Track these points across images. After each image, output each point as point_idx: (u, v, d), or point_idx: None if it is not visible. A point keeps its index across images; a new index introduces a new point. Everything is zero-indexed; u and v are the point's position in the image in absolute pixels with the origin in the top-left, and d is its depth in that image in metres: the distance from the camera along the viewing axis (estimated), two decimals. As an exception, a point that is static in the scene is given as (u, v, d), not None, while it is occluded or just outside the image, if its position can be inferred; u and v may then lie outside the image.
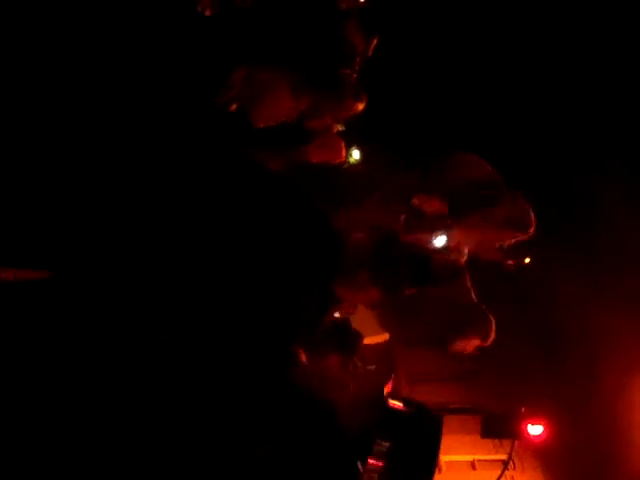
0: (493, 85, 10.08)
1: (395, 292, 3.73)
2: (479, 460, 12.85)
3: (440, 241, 4.28)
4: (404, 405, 2.62)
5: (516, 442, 9.30)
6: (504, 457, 10.34)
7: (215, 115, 3.06)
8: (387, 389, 3.51)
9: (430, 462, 2.53)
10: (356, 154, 6.03)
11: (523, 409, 8.87)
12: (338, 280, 3.14)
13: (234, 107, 3.23)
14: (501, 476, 8.81)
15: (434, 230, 4.26)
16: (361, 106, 3.95)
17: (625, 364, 10.19)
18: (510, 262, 4.64)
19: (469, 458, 12.98)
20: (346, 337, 3.44)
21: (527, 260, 4.72)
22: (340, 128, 4.82)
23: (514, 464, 12.03)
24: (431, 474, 2.57)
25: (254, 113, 3.24)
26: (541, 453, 12.57)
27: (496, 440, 11.45)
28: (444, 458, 12.76)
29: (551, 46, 10.04)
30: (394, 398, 2.68)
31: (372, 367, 7.59)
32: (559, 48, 10.04)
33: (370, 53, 4.19)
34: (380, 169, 4.31)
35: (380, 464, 2.58)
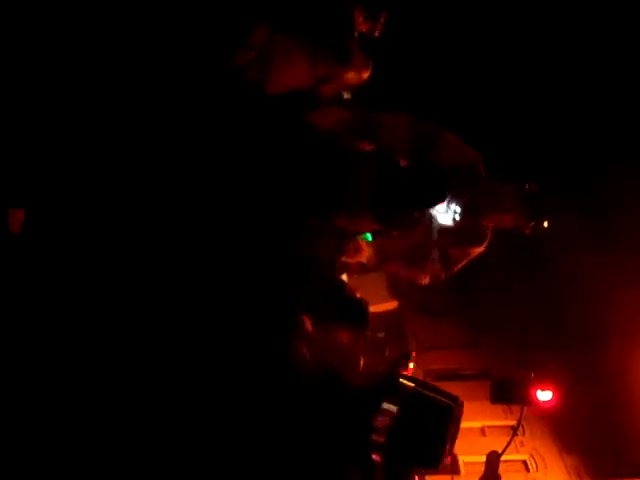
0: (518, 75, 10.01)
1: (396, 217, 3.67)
2: (488, 426, 12.91)
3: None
4: (416, 385, 2.58)
5: (525, 408, 9.31)
6: (513, 423, 10.37)
7: (231, 78, 3.01)
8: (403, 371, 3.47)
9: (436, 446, 2.48)
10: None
11: (532, 375, 8.87)
12: (338, 208, 3.11)
13: (250, 70, 3.19)
14: (510, 442, 8.84)
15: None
16: (366, 74, 3.90)
17: (633, 331, 10.19)
18: (528, 225, 4.50)
19: (478, 424, 13.05)
20: (356, 312, 3.36)
21: (545, 224, 4.54)
22: (347, 96, 4.81)
23: (523, 430, 12.08)
24: (438, 458, 2.53)
25: (270, 78, 3.20)
26: (550, 419, 12.63)
27: (505, 406, 11.48)
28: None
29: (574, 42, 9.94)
30: (407, 378, 2.64)
31: (381, 335, 7.60)
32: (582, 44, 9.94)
33: (378, 32, 4.14)
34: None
35: (387, 424, 2.54)
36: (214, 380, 2.33)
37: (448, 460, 11.17)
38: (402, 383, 2.48)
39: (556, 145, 10.30)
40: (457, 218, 4.22)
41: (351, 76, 3.81)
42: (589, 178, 10.55)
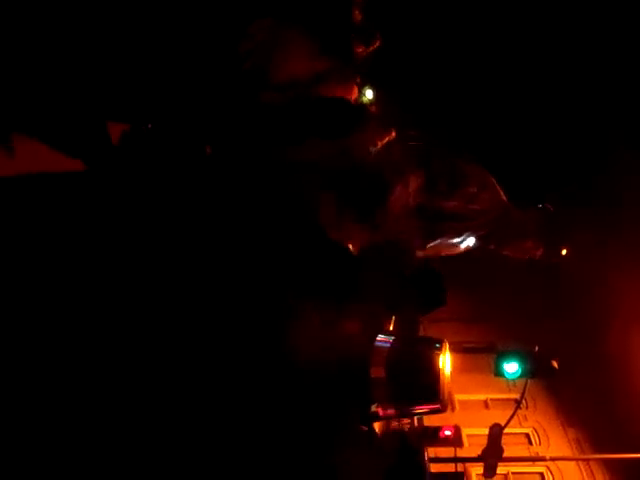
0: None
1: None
2: (492, 399, 13.01)
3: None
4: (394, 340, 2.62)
5: (529, 382, 9.35)
6: (517, 396, 10.43)
7: (232, 69, 3.00)
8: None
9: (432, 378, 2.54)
10: (369, 94, 5.96)
11: (537, 348, 8.89)
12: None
13: (249, 62, 3.17)
14: (514, 415, 8.89)
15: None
16: (373, 46, 3.84)
17: (637, 309, 10.21)
18: (549, 255, 4.34)
19: (482, 397, 13.15)
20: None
21: (564, 252, 4.36)
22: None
23: (527, 403, 12.18)
24: (436, 391, 2.57)
25: (269, 71, 3.18)
26: (553, 392, 12.70)
27: (509, 379, 11.53)
28: (458, 397, 12.94)
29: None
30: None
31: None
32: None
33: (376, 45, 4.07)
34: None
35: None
36: (214, 374, 2.35)
37: (451, 433, 11.30)
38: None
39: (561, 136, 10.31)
40: (476, 247, 4.11)
41: (360, 50, 3.75)
42: (590, 172, 10.56)
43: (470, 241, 3.90)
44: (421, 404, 2.78)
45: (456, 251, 3.91)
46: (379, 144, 3.60)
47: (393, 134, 3.63)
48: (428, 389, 2.60)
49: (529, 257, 4.20)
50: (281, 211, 2.76)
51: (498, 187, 3.99)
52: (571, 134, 10.50)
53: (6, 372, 2.24)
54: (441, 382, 2.62)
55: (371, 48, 3.89)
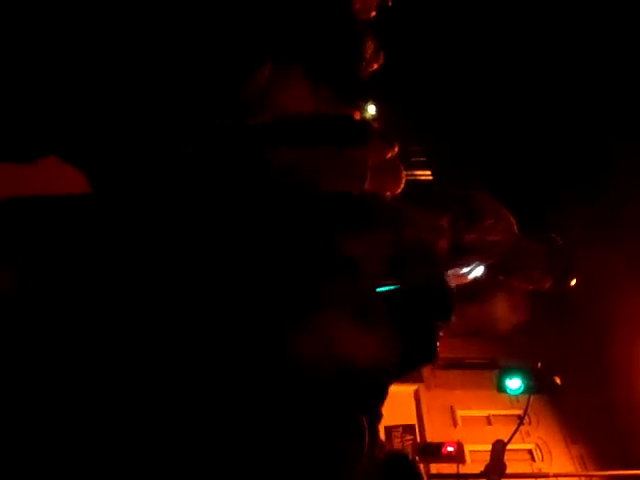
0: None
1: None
2: (494, 415, 12.96)
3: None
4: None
5: (531, 397, 9.32)
6: (519, 412, 10.40)
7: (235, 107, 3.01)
8: None
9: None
10: (372, 109, 5.98)
11: (539, 364, 8.87)
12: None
13: (252, 106, 3.18)
14: (516, 431, 8.84)
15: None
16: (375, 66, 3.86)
17: (636, 320, 10.20)
18: (554, 286, 4.32)
19: (484, 413, 13.10)
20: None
21: (573, 282, 4.34)
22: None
23: (529, 419, 12.12)
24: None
25: (271, 107, 3.19)
26: (556, 408, 12.65)
27: (512, 395, 11.50)
28: (460, 413, 12.90)
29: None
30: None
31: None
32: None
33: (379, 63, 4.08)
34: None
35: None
36: (215, 376, 2.35)
37: (454, 449, 11.24)
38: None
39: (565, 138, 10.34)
40: (484, 277, 4.10)
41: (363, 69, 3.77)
42: (596, 173, 10.57)
43: (478, 271, 3.91)
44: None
45: (463, 281, 3.92)
46: (390, 190, 3.62)
47: (396, 149, 3.64)
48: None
49: (537, 288, 4.20)
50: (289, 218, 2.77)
51: (511, 217, 4.01)
52: (575, 144, 10.52)
53: (6, 372, 2.24)
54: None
55: (374, 66, 3.90)
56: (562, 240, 4.35)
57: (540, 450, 12.54)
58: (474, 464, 10.83)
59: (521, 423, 9.48)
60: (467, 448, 12.00)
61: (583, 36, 9.83)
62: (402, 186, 3.73)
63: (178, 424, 2.28)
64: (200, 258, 2.53)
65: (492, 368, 11.95)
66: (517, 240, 4.00)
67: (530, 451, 12.59)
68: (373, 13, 3.85)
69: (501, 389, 9.30)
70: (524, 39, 9.99)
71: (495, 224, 3.91)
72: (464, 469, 10.40)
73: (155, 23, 2.84)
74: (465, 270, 3.85)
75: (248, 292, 2.47)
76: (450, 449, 11.17)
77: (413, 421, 12.78)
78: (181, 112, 2.89)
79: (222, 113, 2.97)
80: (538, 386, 8.98)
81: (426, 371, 12.69)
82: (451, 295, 3.45)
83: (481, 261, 3.91)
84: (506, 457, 8.50)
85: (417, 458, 9.36)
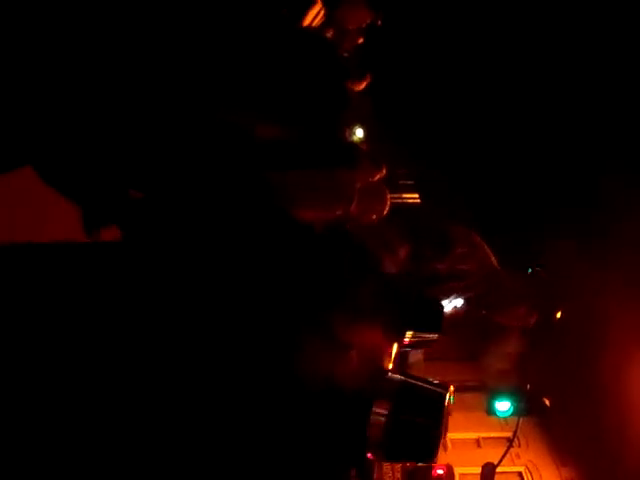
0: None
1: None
2: (484, 437, 12.92)
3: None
4: (404, 378, 2.57)
5: (521, 419, 9.32)
6: (509, 434, 10.39)
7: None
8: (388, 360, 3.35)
9: (431, 436, 2.47)
10: (359, 132, 6.02)
11: (528, 386, 8.89)
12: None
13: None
14: (506, 453, 8.83)
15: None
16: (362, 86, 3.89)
17: (625, 342, 10.22)
18: (540, 321, 4.30)
19: (474, 436, 13.05)
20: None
21: (558, 315, 4.33)
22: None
23: (519, 441, 12.09)
24: (434, 451, 2.52)
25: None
26: (545, 430, 12.62)
27: (501, 418, 11.49)
28: (450, 436, 12.84)
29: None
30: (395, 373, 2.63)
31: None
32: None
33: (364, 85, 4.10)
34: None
35: (389, 405, 2.54)
36: (215, 381, 2.35)
37: (444, 472, 11.20)
38: (390, 377, 2.48)
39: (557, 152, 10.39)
40: (464, 310, 4.08)
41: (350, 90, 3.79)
42: (586, 191, 10.63)
43: (457, 302, 3.90)
44: (414, 461, 2.75)
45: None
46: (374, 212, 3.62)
47: (384, 172, 3.66)
48: (427, 452, 2.55)
49: (523, 324, 4.17)
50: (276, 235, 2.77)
51: (486, 247, 4.00)
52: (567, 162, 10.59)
53: (6, 372, 2.23)
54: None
55: (360, 87, 3.94)
56: (546, 272, 4.32)
57: (530, 472, 12.50)
58: (464, 487, 10.81)
59: (510, 445, 9.48)
60: (457, 471, 11.94)
61: (559, 64, 9.97)
62: (387, 209, 3.74)
63: (169, 428, 2.28)
64: (200, 262, 2.54)
65: (481, 391, 11.94)
66: (494, 272, 3.98)
67: (520, 473, 12.54)
68: (361, 40, 3.90)
69: (491, 411, 9.29)
70: (508, 68, 10.10)
71: (467, 253, 3.90)
72: (454, 492, 10.37)
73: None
74: (444, 302, 3.81)
75: (247, 300, 2.48)
76: (440, 472, 11.13)
77: (403, 444, 12.70)
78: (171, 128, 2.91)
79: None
80: (527, 408, 8.99)
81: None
82: (439, 307, 3.44)
83: (456, 292, 3.88)
84: (496, 479, 8.48)
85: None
